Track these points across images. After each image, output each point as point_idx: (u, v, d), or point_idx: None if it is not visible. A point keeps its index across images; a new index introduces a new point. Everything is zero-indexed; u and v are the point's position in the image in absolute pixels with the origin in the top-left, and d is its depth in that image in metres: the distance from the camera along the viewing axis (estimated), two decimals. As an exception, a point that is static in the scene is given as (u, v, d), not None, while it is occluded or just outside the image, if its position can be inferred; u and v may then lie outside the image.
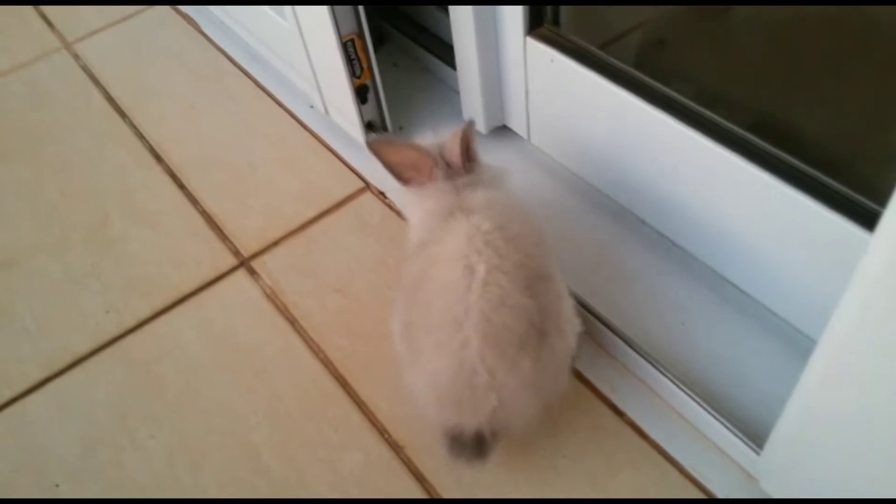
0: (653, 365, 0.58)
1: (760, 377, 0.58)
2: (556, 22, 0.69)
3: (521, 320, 0.47)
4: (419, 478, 0.58)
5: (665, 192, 0.64)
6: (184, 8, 1.07)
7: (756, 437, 0.51)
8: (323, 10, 0.70)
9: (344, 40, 0.73)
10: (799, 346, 0.59)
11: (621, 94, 0.62)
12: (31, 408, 0.66)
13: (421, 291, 0.50)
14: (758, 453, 0.50)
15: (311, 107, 0.89)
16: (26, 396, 0.67)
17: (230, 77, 0.96)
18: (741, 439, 0.52)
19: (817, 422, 0.43)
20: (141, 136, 0.90)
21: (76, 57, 1.03)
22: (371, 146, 0.57)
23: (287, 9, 0.78)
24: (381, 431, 0.61)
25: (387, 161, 0.57)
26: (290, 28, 0.80)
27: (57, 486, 0.61)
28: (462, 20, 0.71)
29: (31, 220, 0.82)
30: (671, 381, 0.57)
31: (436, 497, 0.57)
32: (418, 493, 0.57)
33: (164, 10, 1.08)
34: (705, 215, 0.62)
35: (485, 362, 0.47)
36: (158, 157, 0.87)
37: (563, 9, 0.69)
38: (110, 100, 0.95)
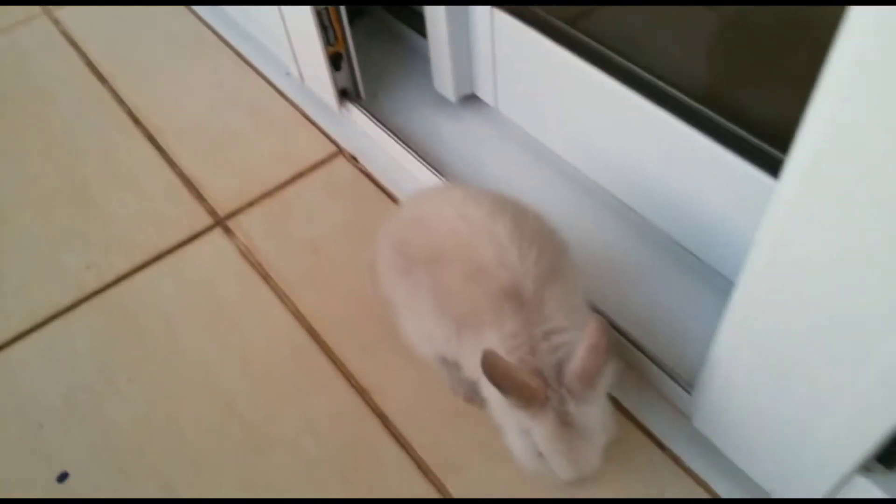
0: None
1: (697, 323, 0.62)
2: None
3: None
4: (383, 418, 0.62)
5: (609, 151, 0.68)
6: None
7: (688, 380, 0.56)
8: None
9: (318, 8, 0.75)
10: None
11: (576, 63, 0.66)
12: (16, 356, 0.69)
13: None
14: (689, 393, 0.55)
15: (288, 74, 0.92)
16: (11, 345, 0.70)
17: (209, 45, 0.98)
18: (676, 381, 0.56)
19: (736, 363, 0.47)
20: (120, 101, 0.92)
21: (56, 22, 1.05)
22: (484, 364, 0.45)
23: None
24: (348, 377, 0.65)
25: (497, 383, 0.45)
26: (265, -4, 0.82)
27: (41, 426, 0.64)
28: None
29: (15, 181, 0.85)
30: (613, 325, 0.61)
31: (402, 438, 0.61)
32: (382, 433, 0.61)
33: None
34: (643, 170, 0.66)
35: None
36: (137, 122, 0.89)
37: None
38: (90, 65, 0.97)
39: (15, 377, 0.68)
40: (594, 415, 0.46)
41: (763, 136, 0.57)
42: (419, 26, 0.87)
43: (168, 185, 0.82)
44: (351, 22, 0.79)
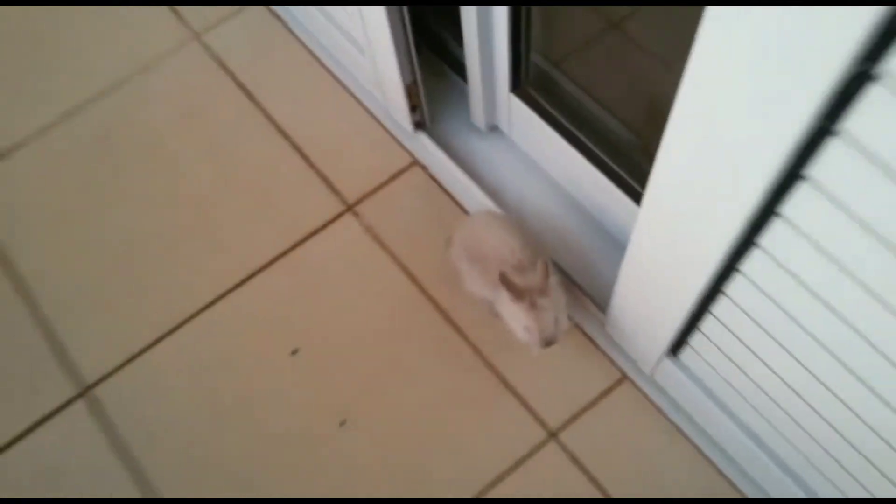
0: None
1: (611, 266, 1.21)
2: (530, 84, 1.23)
3: None
4: (459, 330, 1.23)
5: (584, 189, 1.23)
6: (277, 8, 1.54)
7: (604, 302, 1.15)
8: (393, 64, 1.23)
9: (407, 86, 1.26)
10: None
11: (559, 141, 1.19)
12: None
13: None
14: (603, 312, 1.15)
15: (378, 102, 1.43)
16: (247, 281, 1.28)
17: (323, 79, 1.47)
18: (597, 305, 1.16)
19: (626, 291, 1.07)
20: (268, 116, 1.43)
21: (206, 47, 1.52)
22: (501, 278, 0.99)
23: (367, 55, 1.29)
24: (444, 312, 1.25)
25: (505, 285, 0.98)
26: (369, 66, 1.32)
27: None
28: (471, 56, 1.21)
29: (187, 186, 1.38)
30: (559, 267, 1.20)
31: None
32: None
33: (260, 10, 1.55)
34: (593, 200, 1.21)
35: None
36: (285, 135, 1.41)
37: (538, 77, 1.22)
38: (240, 85, 1.47)
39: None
40: (550, 305, 1.00)
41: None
42: (461, 70, 1.37)
43: (307, 178, 1.36)
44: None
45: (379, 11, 1.10)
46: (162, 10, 1.55)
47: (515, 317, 1.04)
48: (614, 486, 1.10)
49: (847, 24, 0.46)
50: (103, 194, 1.36)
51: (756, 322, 0.82)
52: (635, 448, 1.13)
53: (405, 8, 1.11)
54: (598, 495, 1.10)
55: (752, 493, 1.11)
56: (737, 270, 0.78)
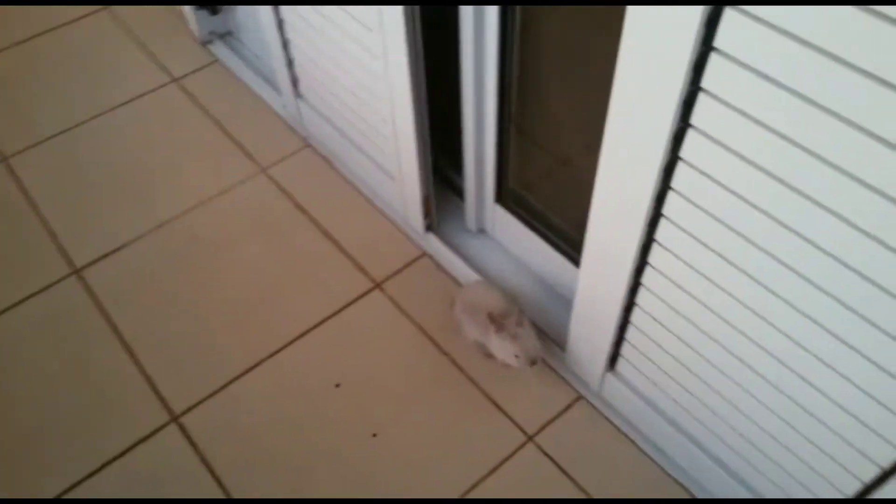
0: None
1: (565, 310, 1.68)
2: (509, 198, 1.79)
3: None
4: (451, 357, 1.67)
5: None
6: (322, 148, 2.12)
7: (562, 341, 1.62)
8: (416, 184, 1.77)
9: (424, 198, 1.80)
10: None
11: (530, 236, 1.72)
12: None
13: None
14: (563, 350, 1.61)
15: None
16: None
17: (355, 197, 2.02)
18: (556, 343, 1.63)
19: (578, 326, 1.53)
20: (316, 223, 1.95)
21: (270, 179, 2.07)
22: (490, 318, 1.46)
23: (396, 180, 1.85)
24: (449, 355, 1.70)
25: (493, 323, 1.44)
26: (397, 187, 1.87)
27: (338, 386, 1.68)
28: (469, 177, 1.78)
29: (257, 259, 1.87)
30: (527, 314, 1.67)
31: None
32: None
33: (310, 151, 2.13)
34: (554, 278, 1.72)
35: None
36: (328, 235, 1.93)
37: (517, 187, 1.78)
38: (297, 206, 2.01)
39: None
40: (527, 334, 1.44)
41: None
42: (458, 191, 1.92)
43: (344, 265, 1.86)
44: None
45: (412, 153, 1.67)
46: (234, 150, 2.12)
47: (505, 348, 1.50)
48: (585, 481, 1.48)
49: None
50: (195, 277, 1.84)
51: (670, 307, 1.19)
52: (596, 451, 1.53)
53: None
54: (570, 487, 1.48)
55: (700, 495, 1.39)
56: (647, 264, 1.19)
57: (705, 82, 0.88)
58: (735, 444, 1.26)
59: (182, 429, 1.57)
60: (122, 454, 1.54)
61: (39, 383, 1.65)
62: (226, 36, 2.50)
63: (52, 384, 1.65)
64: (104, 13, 2.59)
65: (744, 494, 1.30)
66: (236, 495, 1.48)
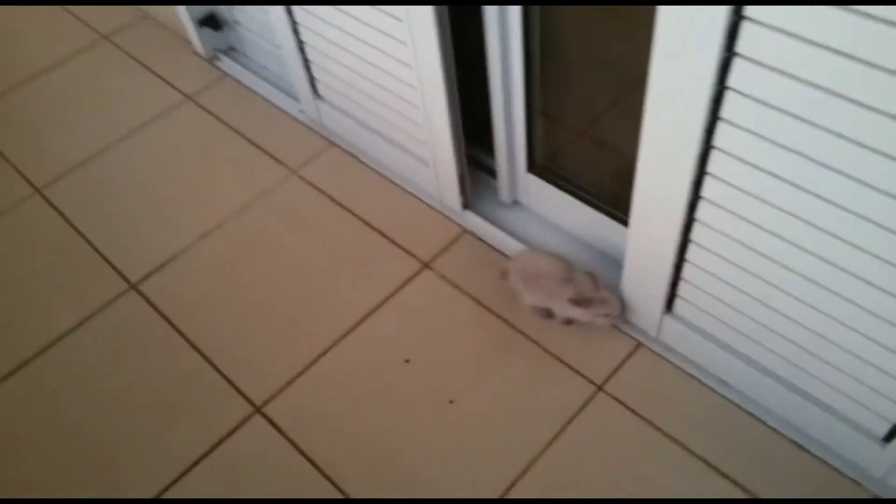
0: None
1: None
2: (540, 165, 1.87)
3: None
4: (526, 334, 1.75)
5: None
6: (349, 146, 2.18)
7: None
8: (452, 164, 1.85)
9: (459, 175, 1.88)
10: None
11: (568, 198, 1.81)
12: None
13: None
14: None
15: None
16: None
17: (388, 188, 2.09)
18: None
19: (631, 275, 1.62)
20: (360, 217, 2.02)
21: (303, 179, 2.13)
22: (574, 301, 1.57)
23: (430, 166, 1.92)
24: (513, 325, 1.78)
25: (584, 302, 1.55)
26: (431, 173, 1.95)
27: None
28: (500, 150, 1.86)
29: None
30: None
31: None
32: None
33: (338, 150, 2.19)
34: (598, 235, 1.81)
35: None
36: (371, 226, 2.00)
37: (546, 157, 1.86)
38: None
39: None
40: (607, 294, 1.57)
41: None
42: (489, 170, 2.00)
43: (394, 251, 1.93)
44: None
45: (447, 134, 1.74)
46: (261, 157, 2.19)
47: (595, 313, 1.61)
48: (658, 420, 1.55)
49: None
50: (248, 278, 1.90)
51: (727, 236, 1.25)
52: (664, 392, 1.60)
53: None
54: (645, 427, 1.55)
55: (771, 422, 1.45)
56: (701, 198, 1.30)
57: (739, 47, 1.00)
58: (799, 360, 1.33)
59: (266, 418, 1.63)
60: (213, 449, 1.59)
61: (119, 393, 1.69)
62: (230, 52, 2.55)
63: (130, 392, 1.69)
64: (104, 43, 2.63)
65: (811, 409, 1.39)
66: (327, 472, 1.54)
